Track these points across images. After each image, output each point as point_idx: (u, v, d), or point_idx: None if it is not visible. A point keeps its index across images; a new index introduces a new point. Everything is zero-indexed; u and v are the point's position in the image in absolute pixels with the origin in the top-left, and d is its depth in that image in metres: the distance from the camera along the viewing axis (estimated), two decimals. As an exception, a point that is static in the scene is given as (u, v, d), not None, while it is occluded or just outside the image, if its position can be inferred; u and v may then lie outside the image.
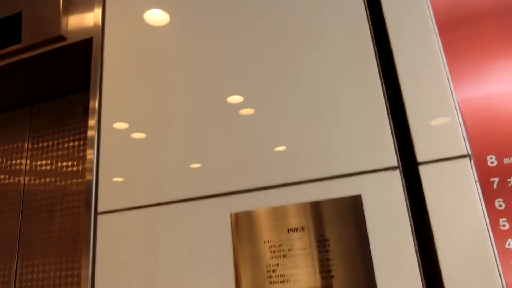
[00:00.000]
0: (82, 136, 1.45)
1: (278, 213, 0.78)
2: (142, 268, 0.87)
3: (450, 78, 0.74)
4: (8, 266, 1.44)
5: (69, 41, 1.15)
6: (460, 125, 0.70)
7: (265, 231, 0.78)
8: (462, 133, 0.70)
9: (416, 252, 0.68)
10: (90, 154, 1.01)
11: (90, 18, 1.14)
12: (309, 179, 0.78)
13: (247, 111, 0.87)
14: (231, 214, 0.82)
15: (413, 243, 0.68)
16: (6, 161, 1.59)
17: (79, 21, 1.16)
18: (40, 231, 1.42)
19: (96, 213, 0.96)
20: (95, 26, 1.11)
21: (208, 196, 0.85)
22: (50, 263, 1.36)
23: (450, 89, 0.73)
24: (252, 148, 0.84)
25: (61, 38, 1.16)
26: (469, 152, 0.69)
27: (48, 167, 1.48)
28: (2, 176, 1.58)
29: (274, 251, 0.76)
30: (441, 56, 0.76)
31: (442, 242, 0.67)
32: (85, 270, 0.93)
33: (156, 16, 1.03)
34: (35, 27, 1.19)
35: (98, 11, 1.11)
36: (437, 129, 0.72)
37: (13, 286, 1.39)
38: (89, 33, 1.12)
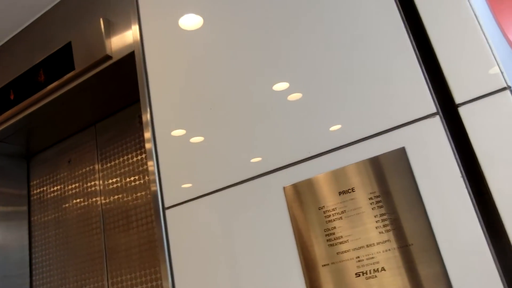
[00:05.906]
0: (143, 149, 1.55)
1: (329, 179, 0.80)
2: (213, 251, 0.92)
3: (477, 14, 0.73)
4: (101, 279, 1.57)
5: (115, 58, 1.25)
6: (495, 58, 0.69)
7: (319, 198, 0.81)
8: (499, 66, 0.68)
9: (469, 193, 0.67)
10: (151, 166, 1.07)
11: (129, 34, 1.23)
12: (352, 141, 0.80)
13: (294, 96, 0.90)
14: (284, 188, 0.85)
15: (464, 186, 0.68)
16: (83, 184, 1.74)
17: (121, 39, 1.26)
18: (121, 243, 1.53)
19: (163, 209, 1.03)
20: (134, 41, 1.19)
21: (262, 174, 0.89)
22: (135, 271, 1.47)
23: (479, 23, 0.71)
24: (301, 127, 0.87)
25: (108, 57, 1.26)
26: (509, 84, 0.67)
27: (118, 184, 1.60)
28: (83, 199, 1.72)
29: (329, 216, 0.78)
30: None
31: (492, 179, 0.66)
32: (163, 265, 1.00)
33: (190, 20, 1.08)
34: (84, 52, 1.30)
35: (135, 27, 1.19)
36: (470, 67, 0.71)
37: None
38: (130, 48, 1.20)
